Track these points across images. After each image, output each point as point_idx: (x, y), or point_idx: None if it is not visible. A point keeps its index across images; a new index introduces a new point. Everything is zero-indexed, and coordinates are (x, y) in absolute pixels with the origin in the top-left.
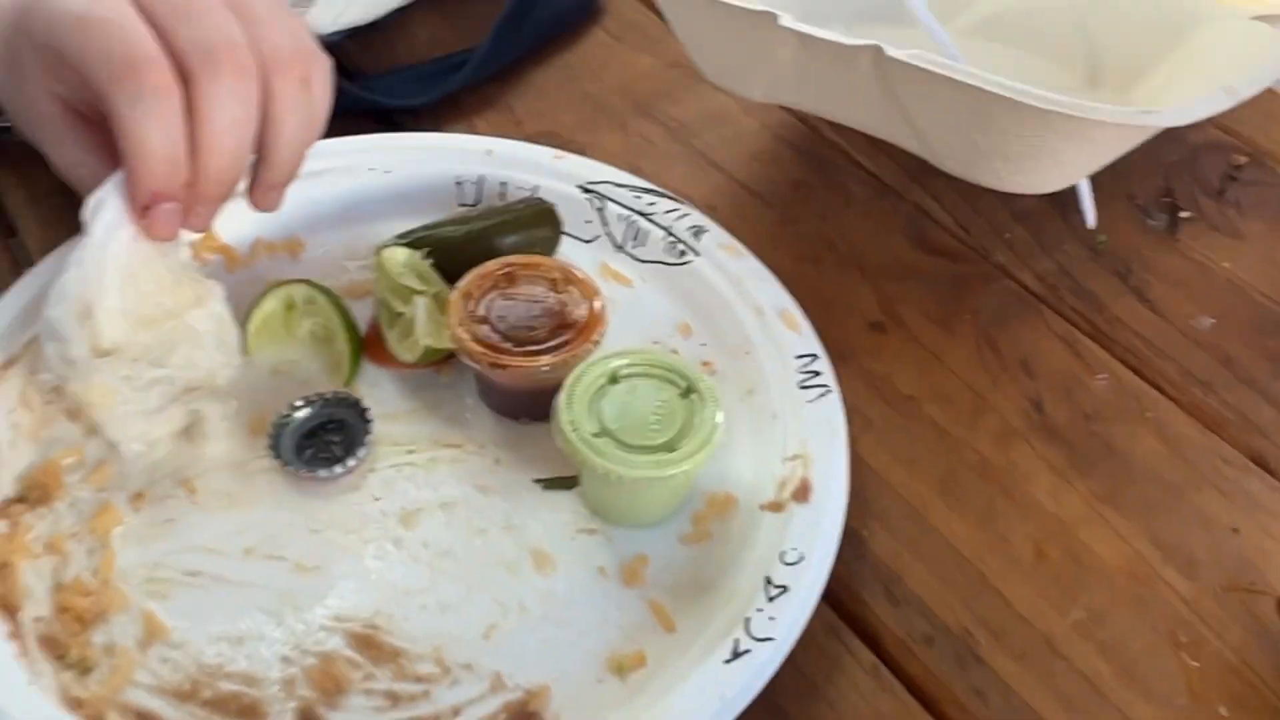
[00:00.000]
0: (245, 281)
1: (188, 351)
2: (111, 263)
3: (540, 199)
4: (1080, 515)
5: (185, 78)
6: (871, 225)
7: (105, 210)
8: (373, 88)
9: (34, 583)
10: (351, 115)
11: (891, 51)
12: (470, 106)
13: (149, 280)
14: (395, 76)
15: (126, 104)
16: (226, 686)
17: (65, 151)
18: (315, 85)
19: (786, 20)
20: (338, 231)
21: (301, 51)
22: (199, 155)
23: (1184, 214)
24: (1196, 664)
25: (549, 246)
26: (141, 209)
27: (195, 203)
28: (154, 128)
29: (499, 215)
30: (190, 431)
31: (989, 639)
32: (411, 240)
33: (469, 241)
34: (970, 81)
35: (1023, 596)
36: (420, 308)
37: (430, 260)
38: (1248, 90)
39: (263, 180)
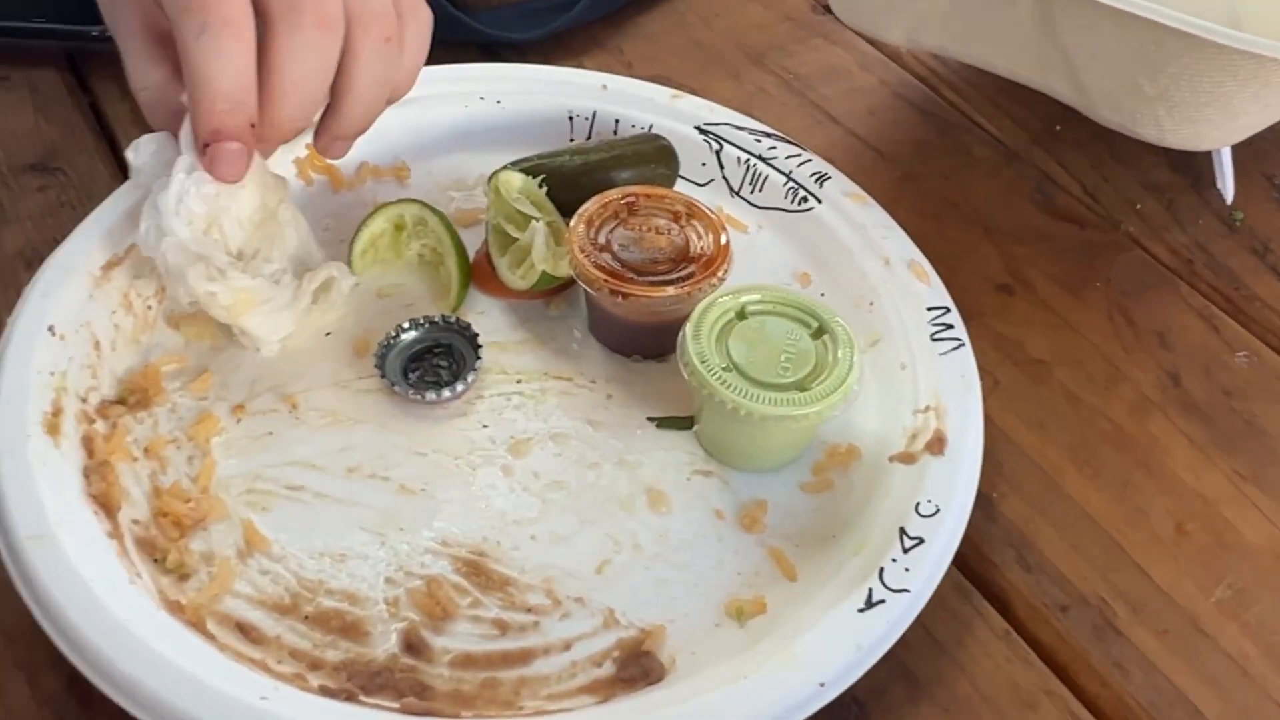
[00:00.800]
0: (351, 204)
1: (288, 239)
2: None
3: (658, 136)
4: (1222, 493)
5: (265, 20)
6: (995, 187)
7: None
8: (482, 20)
9: (131, 486)
10: (459, 46)
11: None
12: (579, 46)
13: (249, 185)
14: (505, 11)
15: (192, 34)
16: (328, 603)
17: (138, 70)
18: (403, 43)
19: None
20: (444, 159)
21: (392, 7)
22: (266, 101)
23: None
24: None
25: (665, 185)
26: (202, 145)
27: (255, 143)
28: (218, 62)
29: (616, 149)
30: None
31: (1128, 612)
32: (526, 168)
33: (583, 173)
34: (1148, 15)
35: (1163, 572)
36: (538, 233)
37: (545, 189)
38: None
39: (329, 129)
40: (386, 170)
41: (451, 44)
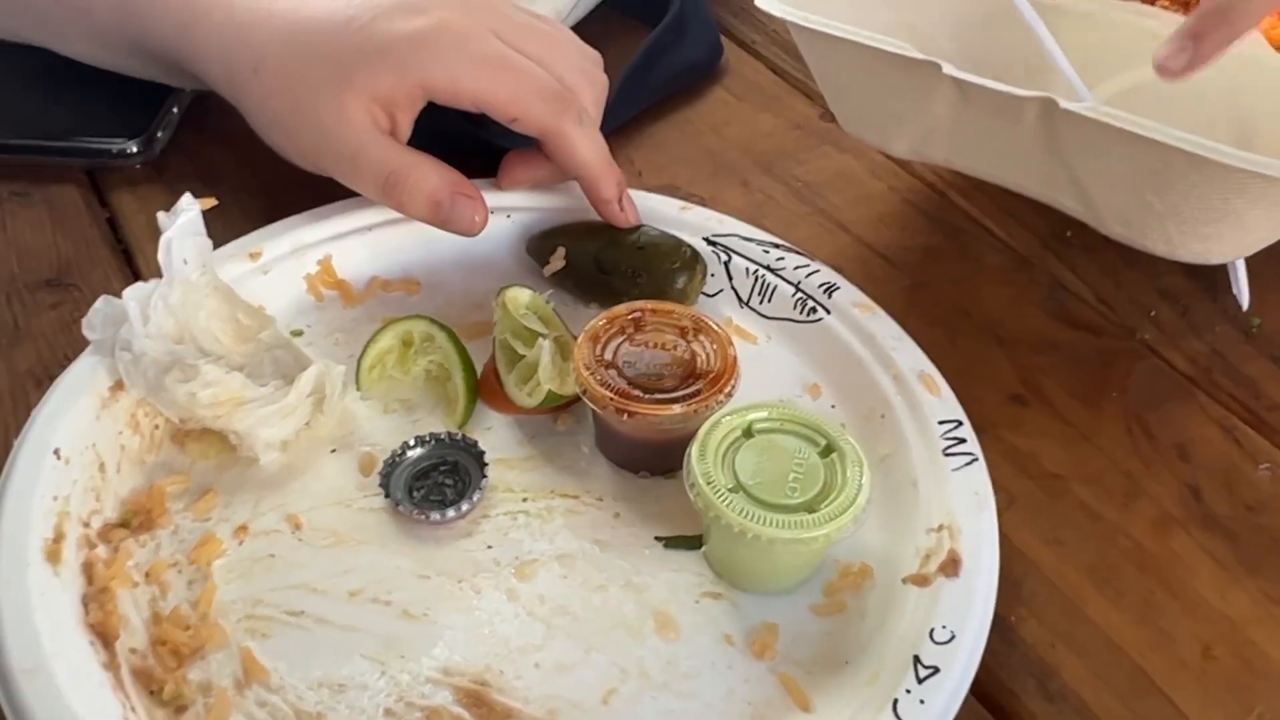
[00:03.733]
0: (360, 319)
1: (277, 358)
2: (196, 292)
3: (684, 243)
4: (1249, 614)
5: None
6: (1007, 294)
7: (179, 249)
8: (495, 135)
9: (131, 612)
10: (469, 157)
11: (1066, 103)
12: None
13: (226, 303)
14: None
15: (572, 125)
16: None
17: (437, 172)
18: (587, 101)
19: (951, 69)
20: (454, 273)
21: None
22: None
23: None
24: None
25: (692, 293)
26: (609, 200)
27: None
28: (596, 139)
29: (656, 238)
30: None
31: None
32: (573, 242)
33: (636, 249)
34: (1154, 136)
35: (1191, 700)
36: (545, 350)
37: (552, 303)
38: None
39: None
40: (396, 284)
41: (464, 155)
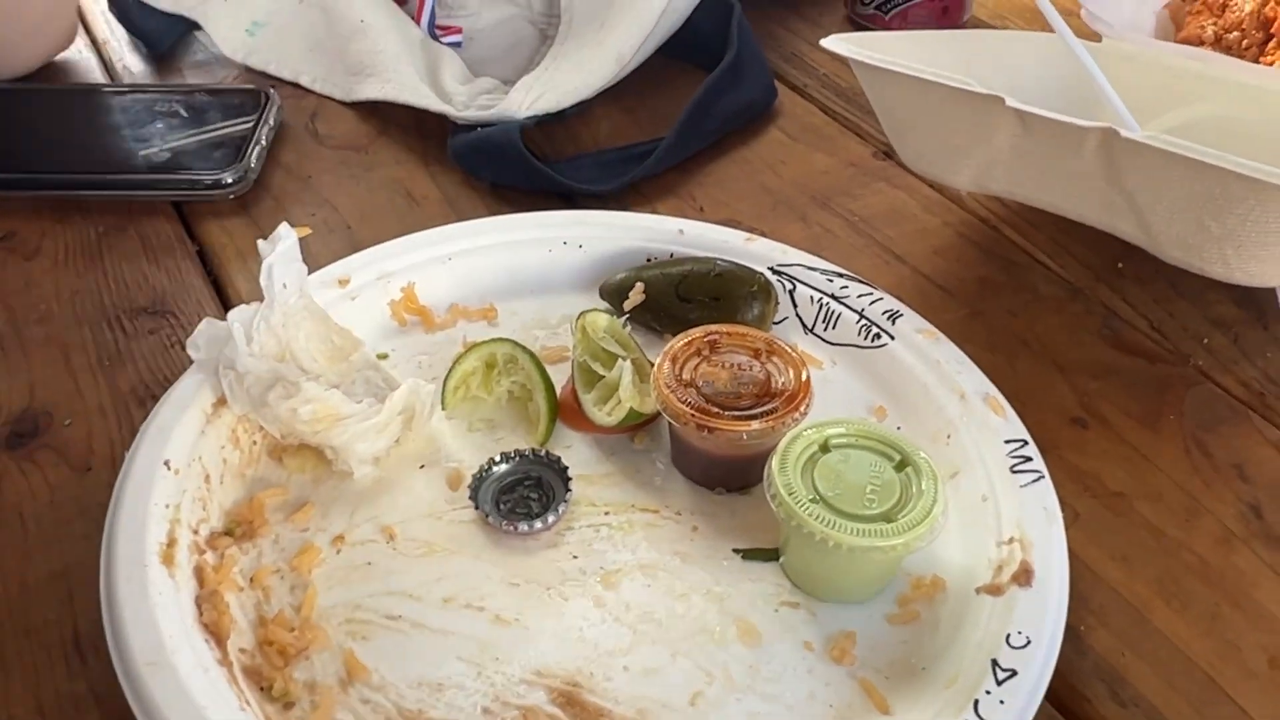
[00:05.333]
0: (442, 343)
1: (368, 379)
2: (294, 314)
3: (756, 273)
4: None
5: None
6: (1063, 323)
7: (280, 274)
8: (561, 171)
9: (238, 615)
10: (541, 195)
11: (1126, 132)
12: (653, 193)
13: (322, 325)
14: (581, 161)
15: None
16: None
17: None
18: None
19: (1014, 102)
20: (530, 300)
21: None
22: None
23: None
24: None
25: (766, 319)
26: None
27: None
28: None
29: (729, 268)
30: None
31: None
32: (651, 273)
33: (711, 278)
34: (1213, 161)
35: (1261, 708)
36: (625, 370)
37: (629, 324)
38: None
39: None
40: (476, 312)
41: (534, 191)
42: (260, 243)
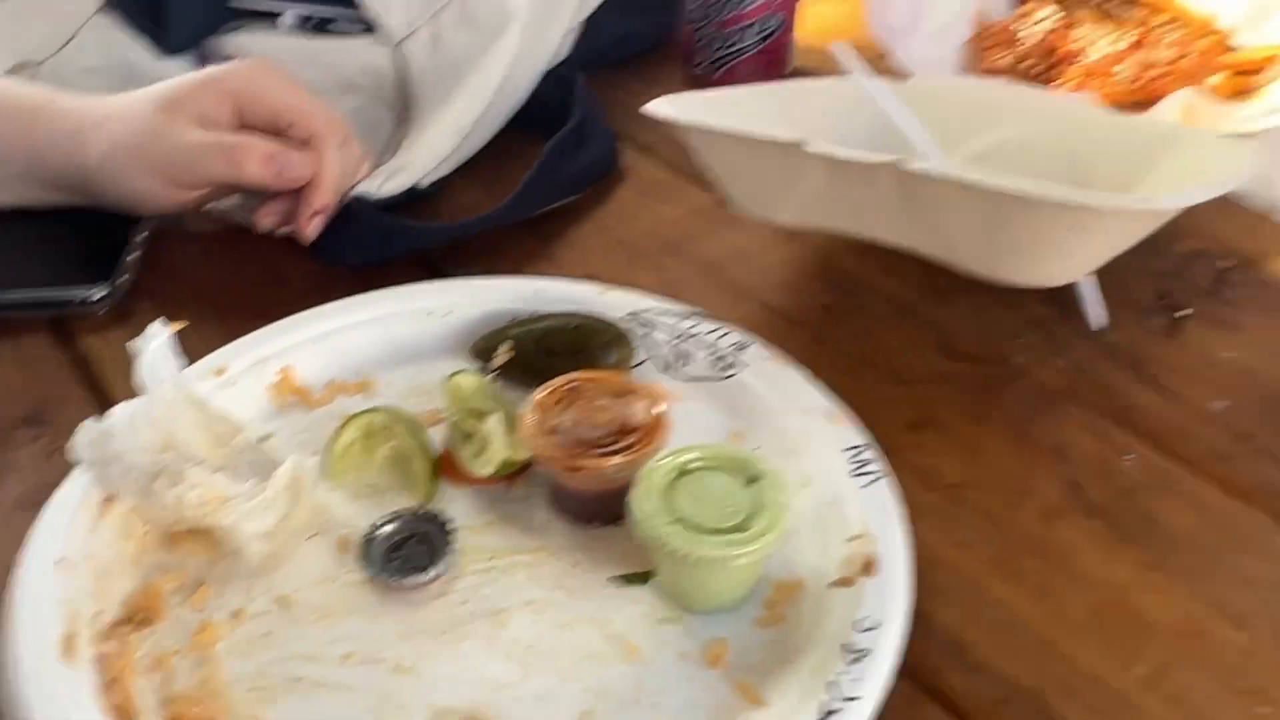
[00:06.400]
0: (322, 419)
1: (252, 460)
2: (173, 406)
3: (610, 324)
4: (1130, 581)
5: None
6: (898, 339)
7: (154, 371)
8: (416, 232)
9: (146, 695)
10: (402, 270)
11: (909, 165)
12: (515, 259)
13: (201, 414)
14: (436, 227)
15: (335, 148)
16: None
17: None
18: (353, 144)
19: (814, 145)
20: (405, 370)
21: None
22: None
23: (1182, 313)
24: (1267, 709)
25: (623, 364)
26: (314, 214)
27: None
28: (341, 164)
29: (585, 319)
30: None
31: (1062, 697)
32: (515, 331)
33: (570, 330)
34: (986, 184)
35: (1087, 657)
36: (496, 423)
37: (497, 379)
38: (1226, 185)
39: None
40: (353, 386)
41: (395, 268)
42: (132, 343)
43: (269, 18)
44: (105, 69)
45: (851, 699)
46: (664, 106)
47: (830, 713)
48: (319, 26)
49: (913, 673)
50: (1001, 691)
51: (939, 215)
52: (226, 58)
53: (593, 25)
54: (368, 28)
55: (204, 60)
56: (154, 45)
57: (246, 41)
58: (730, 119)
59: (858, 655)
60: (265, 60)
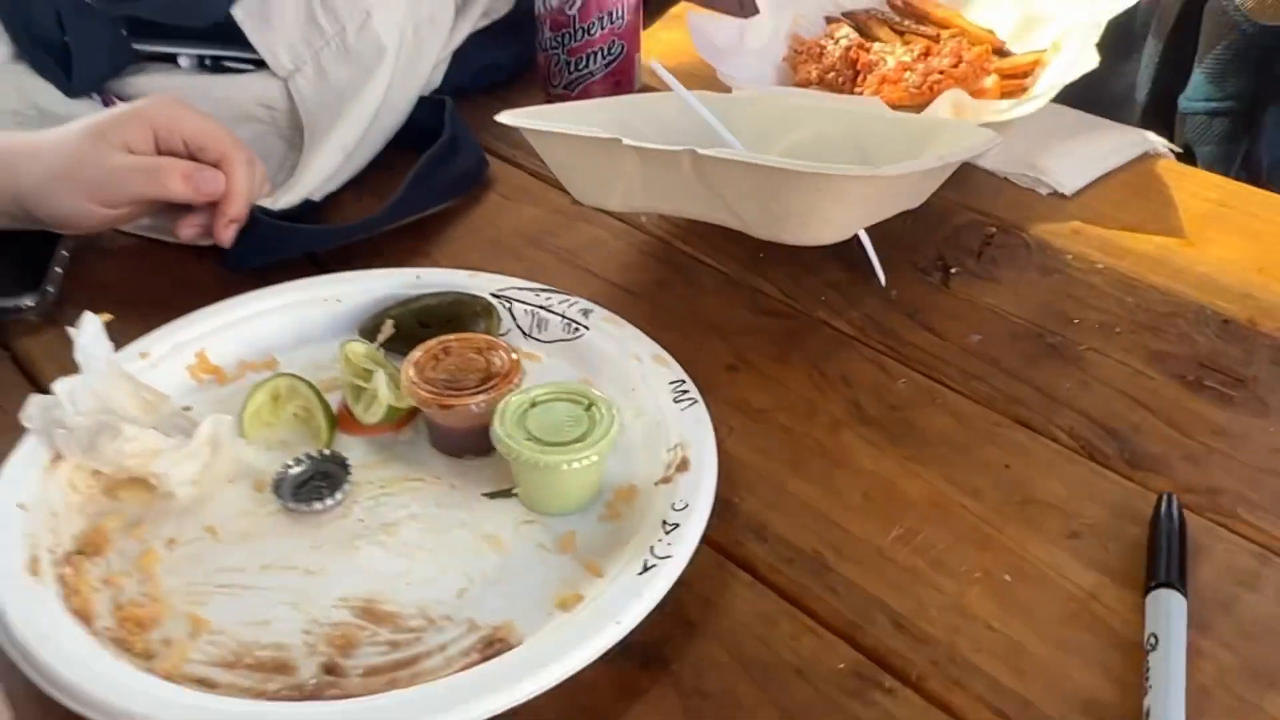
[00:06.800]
0: (235, 392)
1: (177, 423)
2: (108, 379)
3: (479, 298)
4: (895, 471)
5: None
6: (720, 302)
7: (90, 352)
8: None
9: (101, 603)
10: (295, 269)
11: (701, 151)
12: (397, 256)
13: (132, 386)
14: (327, 229)
15: (242, 164)
16: (262, 654)
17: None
18: (257, 163)
19: (627, 140)
20: (304, 349)
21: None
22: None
23: (953, 270)
24: (988, 553)
25: (491, 331)
26: (230, 221)
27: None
28: (248, 178)
29: (458, 296)
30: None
31: (835, 555)
32: (396, 310)
33: (444, 305)
34: (758, 161)
35: (857, 526)
36: (381, 378)
37: (383, 349)
38: (953, 159)
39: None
40: (260, 364)
41: (287, 268)
42: (70, 329)
43: (169, 59)
44: (20, 111)
45: (665, 557)
46: (510, 117)
47: (649, 567)
48: (214, 65)
49: (720, 546)
50: (788, 554)
51: (726, 191)
52: (129, 97)
53: (460, 57)
54: (258, 64)
55: (108, 101)
56: (63, 88)
57: (147, 81)
58: (564, 124)
59: (671, 527)
60: (176, 95)
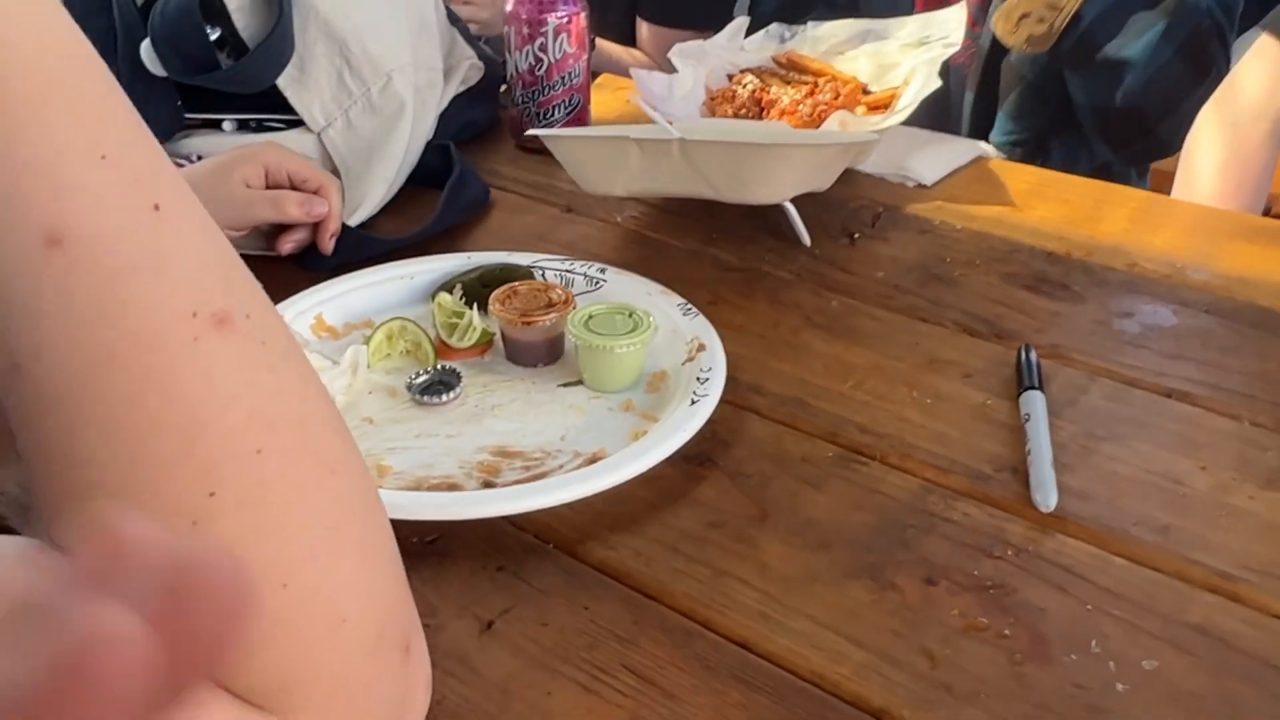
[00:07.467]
0: (343, 344)
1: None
2: None
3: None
4: (841, 352)
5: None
6: (692, 268)
7: None
8: (379, 243)
9: None
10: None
11: (688, 137)
12: (440, 250)
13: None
14: (391, 238)
15: (338, 193)
16: (435, 481)
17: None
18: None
19: (635, 133)
20: (389, 312)
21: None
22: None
23: (856, 235)
24: (914, 389)
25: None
26: (331, 235)
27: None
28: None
29: (504, 265)
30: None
31: (812, 398)
32: (460, 277)
33: (498, 271)
34: (732, 139)
35: (822, 381)
36: (473, 313)
37: (463, 298)
38: (860, 139)
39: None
40: (359, 324)
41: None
42: None
43: (214, 124)
44: None
45: (704, 395)
46: (536, 131)
47: (695, 400)
48: (256, 127)
49: (730, 401)
50: (780, 402)
51: (706, 167)
52: (185, 158)
53: (444, 117)
54: (290, 124)
55: None
56: None
57: (199, 143)
58: (584, 130)
59: (705, 379)
60: (275, 142)
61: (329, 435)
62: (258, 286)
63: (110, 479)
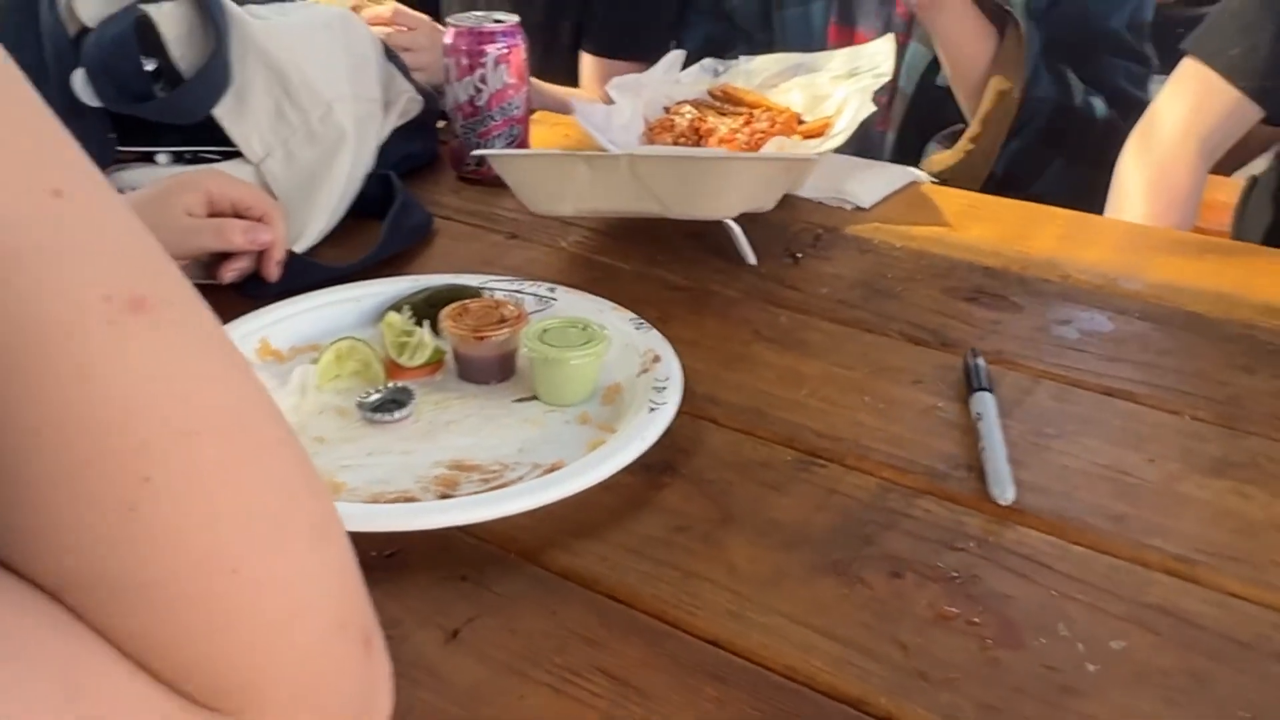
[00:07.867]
0: (289, 368)
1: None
2: None
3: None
4: (794, 362)
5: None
6: (640, 288)
7: None
8: (324, 270)
9: None
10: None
11: (636, 151)
12: (391, 271)
13: None
14: (338, 266)
15: (282, 220)
16: (390, 495)
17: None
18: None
19: (580, 153)
20: (338, 334)
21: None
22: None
23: (799, 255)
24: (867, 395)
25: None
26: (276, 263)
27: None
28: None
29: (454, 287)
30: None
31: (767, 407)
32: (408, 298)
33: (445, 291)
34: (679, 154)
35: (777, 390)
36: (423, 331)
37: (412, 317)
38: (803, 156)
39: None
40: (306, 348)
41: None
42: None
43: (148, 157)
44: None
45: (662, 404)
46: (483, 152)
47: (652, 409)
48: (191, 159)
49: (687, 411)
50: (736, 411)
51: (654, 183)
52: (118, 191)
53: (383, 150)
54: (229, 154)
55: None
56: None
57: (131, 176)
58: (532, 151)
59: (661, 387)
60: (217, 169)
61: (263, 420)
62: (182, 276)
63: (37, 471)
